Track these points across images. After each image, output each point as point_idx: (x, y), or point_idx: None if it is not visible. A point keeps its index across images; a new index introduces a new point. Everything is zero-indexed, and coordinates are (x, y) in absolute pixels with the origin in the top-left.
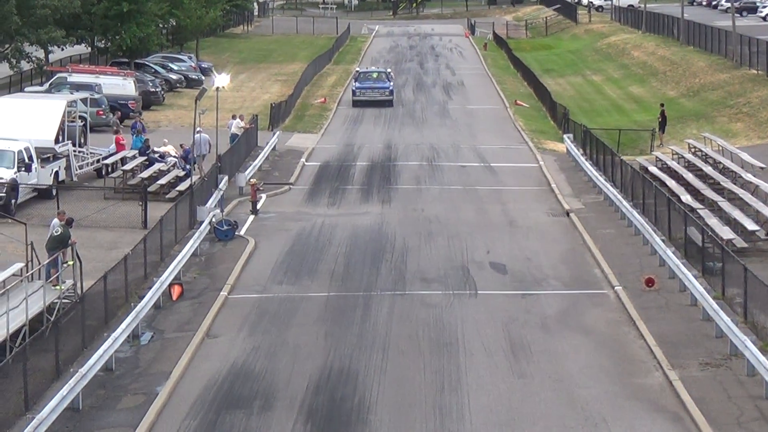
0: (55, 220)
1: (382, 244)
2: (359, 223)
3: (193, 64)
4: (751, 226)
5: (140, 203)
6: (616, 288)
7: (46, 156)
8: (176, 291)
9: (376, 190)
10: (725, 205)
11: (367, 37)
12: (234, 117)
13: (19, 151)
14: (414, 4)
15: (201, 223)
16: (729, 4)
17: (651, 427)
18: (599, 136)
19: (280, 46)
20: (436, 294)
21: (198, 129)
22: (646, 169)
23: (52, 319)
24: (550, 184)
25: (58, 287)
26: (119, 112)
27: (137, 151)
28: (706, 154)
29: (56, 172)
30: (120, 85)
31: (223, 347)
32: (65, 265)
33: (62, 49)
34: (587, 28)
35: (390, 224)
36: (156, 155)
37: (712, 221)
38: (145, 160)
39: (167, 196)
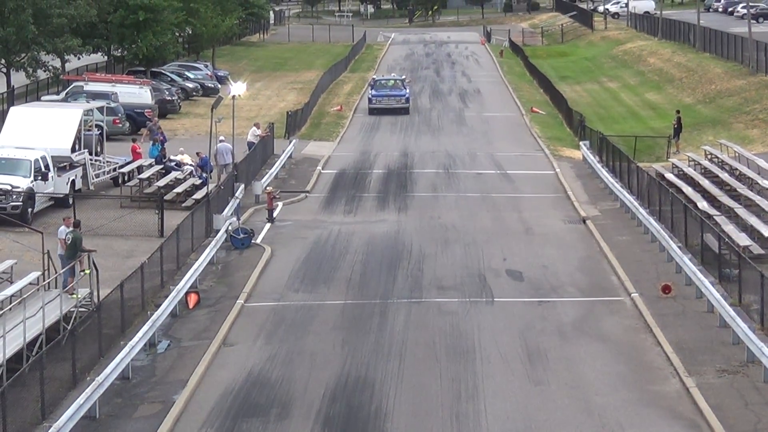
0: (62, 227)
1: (398, 252)
2: (376, 231)
3: (209, 73)
4: (767, 232)
5: (156, 212)
6: (632, 295)
7: (63, 165)
8: (193, 299)
9: (393, 197)
10: (742, 211)
11: (383, 45)
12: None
13: (36, 160)
14: (430, 12)
15: (217, 231)
16: (745, 11)
17: None
18: (615, 143)
19: (296, 54)
20: (453, 301)
21: (221, 138)
22: (663, 175)
23: (68, 327)
24: (567, 191)
25: (74, 296)
26: (155, 119)
27: (153, 160)
28: (723, 161)
29: (73, 181)
30: (136, 93)
31: (240, 355)
32: (82, 273)
33: (78, 58)
34: (603, 35)
35: (406, 232)
36: (172, 164)
37: (729, 228)
38: (162, 169)
39: (183, 205)
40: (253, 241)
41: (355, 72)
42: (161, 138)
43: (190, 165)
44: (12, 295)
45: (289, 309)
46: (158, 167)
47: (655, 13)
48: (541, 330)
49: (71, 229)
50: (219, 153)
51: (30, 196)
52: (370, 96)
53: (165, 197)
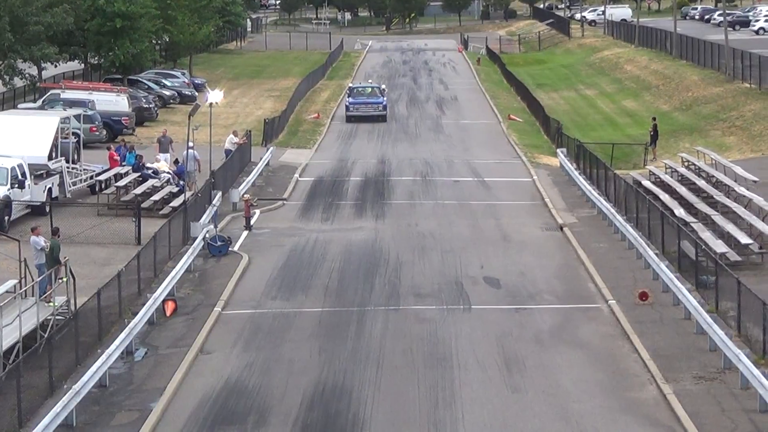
0: (33, 237)
1: (375, 260)
2: (353, 239)
3: (186, 80)
4: (744, 239)
5: (134, 219)
6: (609, 302)
7: (40, 172)
8: (170, 307)
9: (370, 205)
10: (718, 218)
11: (361, 53)
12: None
13: (13, 168)
14: (407, 20)
15: (195, 239)
16: (721, 18)
17: None
18: (592, 150)
19: (274, 62)
20: (430, 309)
21: (190, 144)
22: (640, 183)
23: (45, 335)
24: (544, 198)
25: (51, 304)
26: (165, 129)
27: (131, 167)
28: (700, 168)
29: (49, 189)
30: (113, 101)
31: (217, 363)
32: (60, 281)
33: (55, 66)
34: (580, 42)
35: (384, 239)
36: (149, 171)
37: (706, 235)
38: (139, 176)
39: (161, 212)
40: (230, 249)
41: (333, 80)
42: (126, 150)
43: (168, 173)
44: None
45: (267, 317)
46: (135, 175)
47: (632, 21)
48: (518, 337)
49: (52, 238)
50: (184, 160)
51: (6, 203)
52: (347, 104)
53: (142, 205)
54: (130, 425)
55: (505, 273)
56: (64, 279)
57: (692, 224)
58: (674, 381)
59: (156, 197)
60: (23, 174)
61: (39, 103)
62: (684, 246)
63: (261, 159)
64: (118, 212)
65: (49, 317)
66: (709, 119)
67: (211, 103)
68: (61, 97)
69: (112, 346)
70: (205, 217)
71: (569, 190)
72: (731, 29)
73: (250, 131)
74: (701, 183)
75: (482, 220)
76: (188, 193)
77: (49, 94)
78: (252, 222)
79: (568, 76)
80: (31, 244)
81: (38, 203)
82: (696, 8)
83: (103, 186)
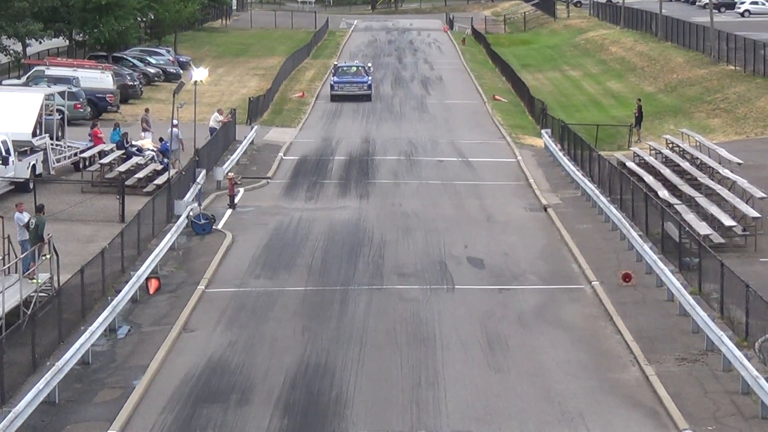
0: (17, 214)
1: (359, 239)
2: (337, 218)
3: (171, 58)
4: (728, 221)
5: (117, 197)
6: (593, 283)
7: (24, 149)
8: (153, 285)
9: (354, 184)
10: (702, 200)
11: (346, 32)
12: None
13: None
14: None
15: (178, 216)
16: (707, 0)
17: (627, 422)
18: (577, 131)
19: (259, 41)
20: (414, 288)
21: (174, 122)
22: (624, 164)
23: (28, 312)
24: (528, 179)
25: (34, 281)
26: (148, 108)
27: (115, 145)
28: (684, 150)
29: (33, 166)
30: (98, 78)
31: (200, 341)
32: (43, 257)
33: (40, 43)
34: (565, 23)
35: (368, 219)
36: (134, 149)
37: (689, 217)
38: (123, 154)
39: (145, 190)
40: (214, 227)
41: (318, 58)
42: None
43: (152, 150)
44: None
45: (250, 295)
46: (119, 152)
47: (618, 2)
48: (501, 317)
49: (36, 215)
50: (168, 138)
51: None
52: (332, 83)
53: (126, 182)
54: (112, 402)
55: (489, 253)
56: (48, 256)
57: (676, 206)
58: (657, 362)
59: (140, 175)
60: (7, 150)
61: (23, 79)
62: (668, 228)
63: (245, 137)
64: (102, 189)
65: (32, 294)
66: (693, 101)
67: (195, 81)
68: (46, 73)
69: (95, 324)
70: (189, 195)
71: (553, 170)
72: (717, 11)
73: (234, 109)
74: (685, 165)
75: (466, 200)
76: (172, 171)
77: (33, 70)
78: (236, 200)
79: (553, 56)
80: (15, 221)
81: (22, 180)
82: None
83: (87, 163)
